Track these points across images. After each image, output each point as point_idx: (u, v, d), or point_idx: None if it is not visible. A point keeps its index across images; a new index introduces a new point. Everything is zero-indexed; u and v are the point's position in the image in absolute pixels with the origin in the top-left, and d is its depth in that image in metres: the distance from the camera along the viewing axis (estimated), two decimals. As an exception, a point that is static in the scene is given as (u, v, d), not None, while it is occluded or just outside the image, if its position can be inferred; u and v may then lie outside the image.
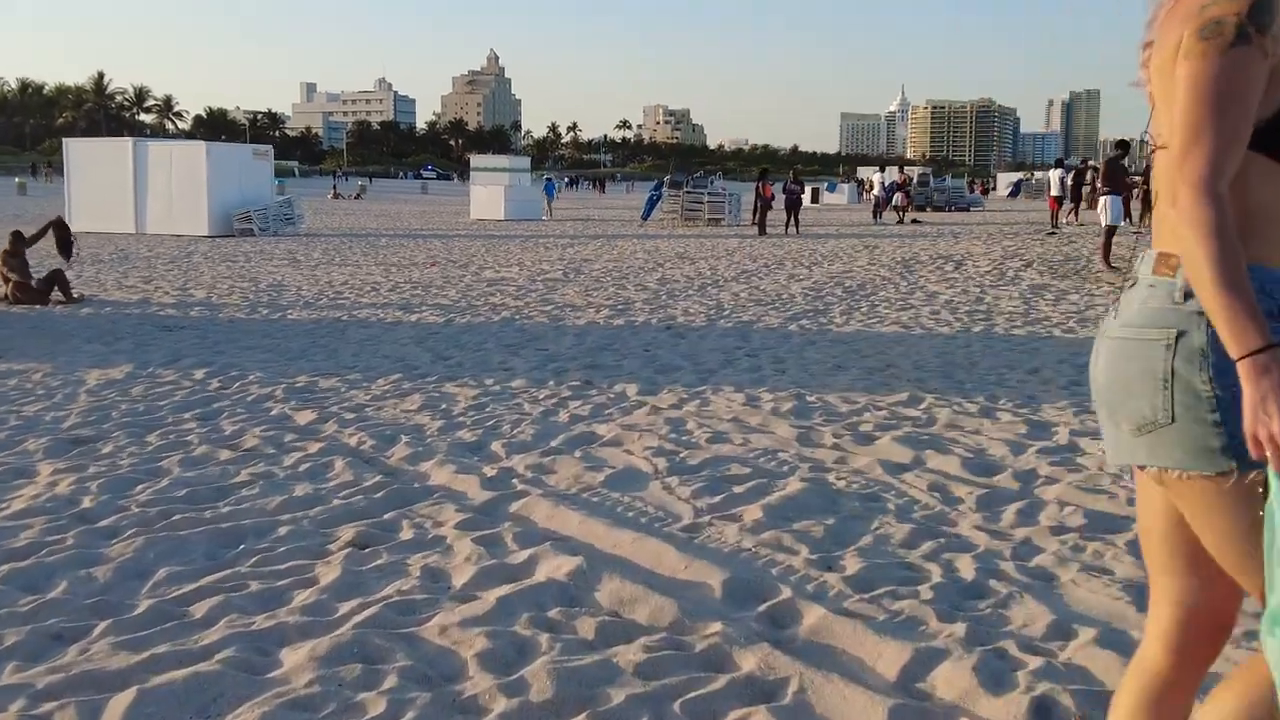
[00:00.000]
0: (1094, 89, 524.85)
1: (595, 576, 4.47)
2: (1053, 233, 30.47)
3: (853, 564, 4.71)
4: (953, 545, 4.98)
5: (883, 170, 50.06)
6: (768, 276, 18.53)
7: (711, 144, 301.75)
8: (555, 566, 4.59)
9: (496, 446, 6.82)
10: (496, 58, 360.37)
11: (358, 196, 72.73)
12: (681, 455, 6.61)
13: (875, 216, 40.57)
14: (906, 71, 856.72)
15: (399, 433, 7.18)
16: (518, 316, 13.33)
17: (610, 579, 4.44)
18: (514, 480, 6.07)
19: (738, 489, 5.87)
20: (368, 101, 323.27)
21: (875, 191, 43.44)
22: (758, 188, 33.12)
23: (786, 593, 4.35)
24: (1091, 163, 43.57)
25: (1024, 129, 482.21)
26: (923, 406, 8.09)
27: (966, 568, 4.68)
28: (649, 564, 4.69)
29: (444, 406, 8.04)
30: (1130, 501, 5.61)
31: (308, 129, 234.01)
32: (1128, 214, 26.88)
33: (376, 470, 6.27)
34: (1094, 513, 5.45)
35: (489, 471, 6.23)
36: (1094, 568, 4.68)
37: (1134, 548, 4.90)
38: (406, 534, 5.16)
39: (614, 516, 5.38)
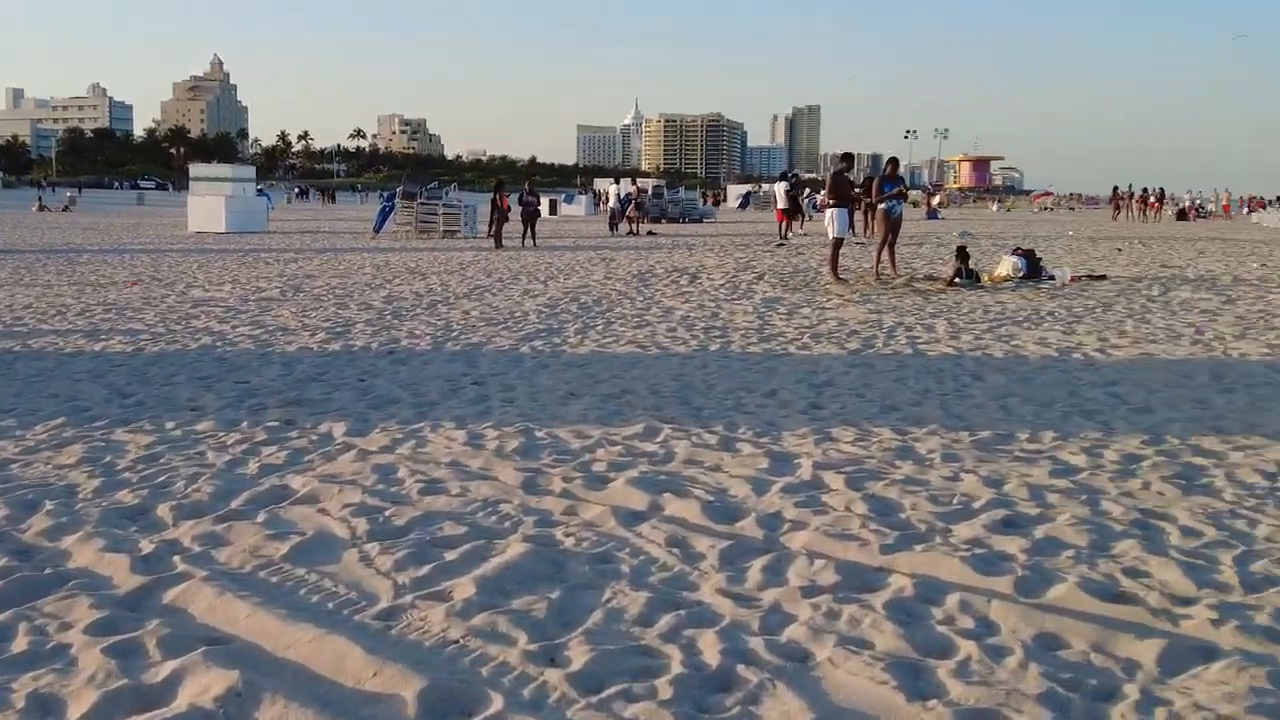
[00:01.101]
0: (815, 105, 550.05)
1: (254, 698, 3.54)
2: (781, 244, 30.98)
3: (579, 653, 3.96)
4: (695, 617, 4.31)
5: (618, 182, 50.10)
6: (502, 292, 17.72)
7: (449, 154, 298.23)
8: (203, 687, 3.62)
9: (163, 511, 5.72)
10: (221, 63, 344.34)
11: (66, 209, 67.38)
12: (387, 513, 5.71)
13: (612, 228, 40.41)
14: (640, 85, 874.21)
15: (44, 497, 5.96)
16: (220, 343, 12.01)
17: (273, 702, 3.52)
18: (175, 557, 5.01)
19: (450, 555, 5.03)
20: (80, 108, 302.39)
21: (611, 203, 43.31)
22: (494, 199, 32.27)
23: (497, 703, 3.55)
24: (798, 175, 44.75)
25: (751, 143, 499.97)
26: (660, 439, 7.47)
27: (711, 649, 4.00)
28: (328, 671, 3.79)
29: (108, 459, 6.82)
30: (883, 548, 5.11)
31: (14, 137, 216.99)
32: (852, 225, 27.56)
33: (2, 551, 5.08)
34: (846, 565, 4.90)
35: (145, 547, 5.15)
36: (852, 640, 4.10)
37: (892, 609, 4.37)
38: (20, 643, 4.06)
39: (293, 603, 4.44)
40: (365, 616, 4.33)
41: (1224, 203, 74.95)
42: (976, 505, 5.89)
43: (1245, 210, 74.64)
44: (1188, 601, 4.46)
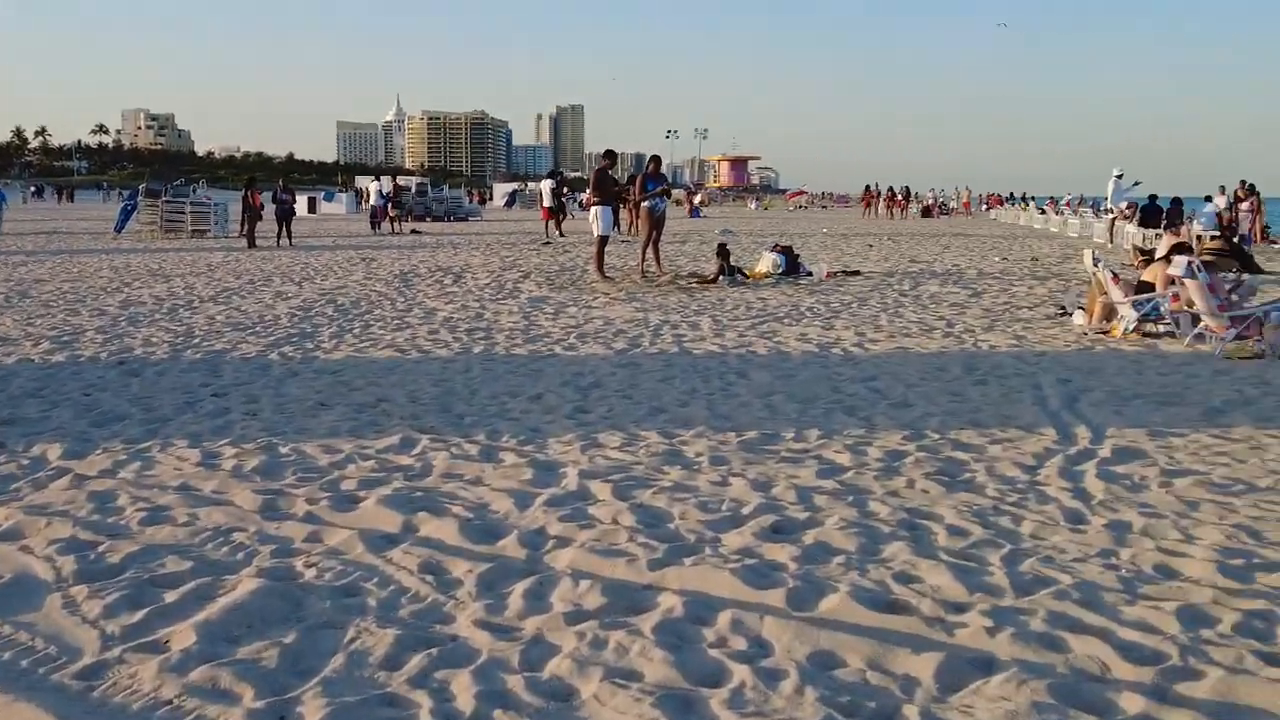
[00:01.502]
0: (579, 104, 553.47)
1: (-94, 797, 2.94)
2: (548, 243, 30.73)
3: (315, 708, 3.50)
4: (448, 655, 3.91)
5: (378, 179, 48.75)
6: (252, 295, 16.73)
7: (200, 151, 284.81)
8: None
9: None
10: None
11: None
12: (101, 549, 5.06)
13: (373, 227, 39.22)
14: (401, 81, 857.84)
15: None
16: (-78, 357, 10.77)
17: (-70, 800, 2.93)
18: None
19: (170, 597, 4.46)
20: None
21: (372, 201, 42.05)
22: (245, 197, 30.72)
23: (213, 778, 3.06)
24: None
25: (517, 141, 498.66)
26: (417, 451, 7.01)
27: (465, 692, 3.62)
28: (9, 752, 3.22)
29: None
30: (652, 563, 4.83)
31: None
32: (617, 223, 27.53)
33: None
34: (613, 585, 4.60)
35: None
36: (619, 672, 3.78)
37: (662, 633, 4.09)
38: None
39: (-25, 666, 3.80)
40: (64, 675, 3.74)
41: (964, 200, 79.17)
42: (746, 511, 5.70)
43: (984, 207, 79.06)
44: (961, 608, 4.35)
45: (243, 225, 30.37)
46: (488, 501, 5.87)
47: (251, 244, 29.18)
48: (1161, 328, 12.65)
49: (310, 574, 4.74)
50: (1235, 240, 24.32)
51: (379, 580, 4.67)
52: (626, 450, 7.05)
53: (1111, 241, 33.90)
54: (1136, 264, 23.81)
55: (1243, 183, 34.51)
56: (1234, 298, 11.73)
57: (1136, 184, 35.35)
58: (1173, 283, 13.13)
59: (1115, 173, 34.32)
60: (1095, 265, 12.98)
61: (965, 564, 4.89)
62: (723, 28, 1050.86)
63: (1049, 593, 4.51)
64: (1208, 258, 11.82)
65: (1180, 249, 13.77)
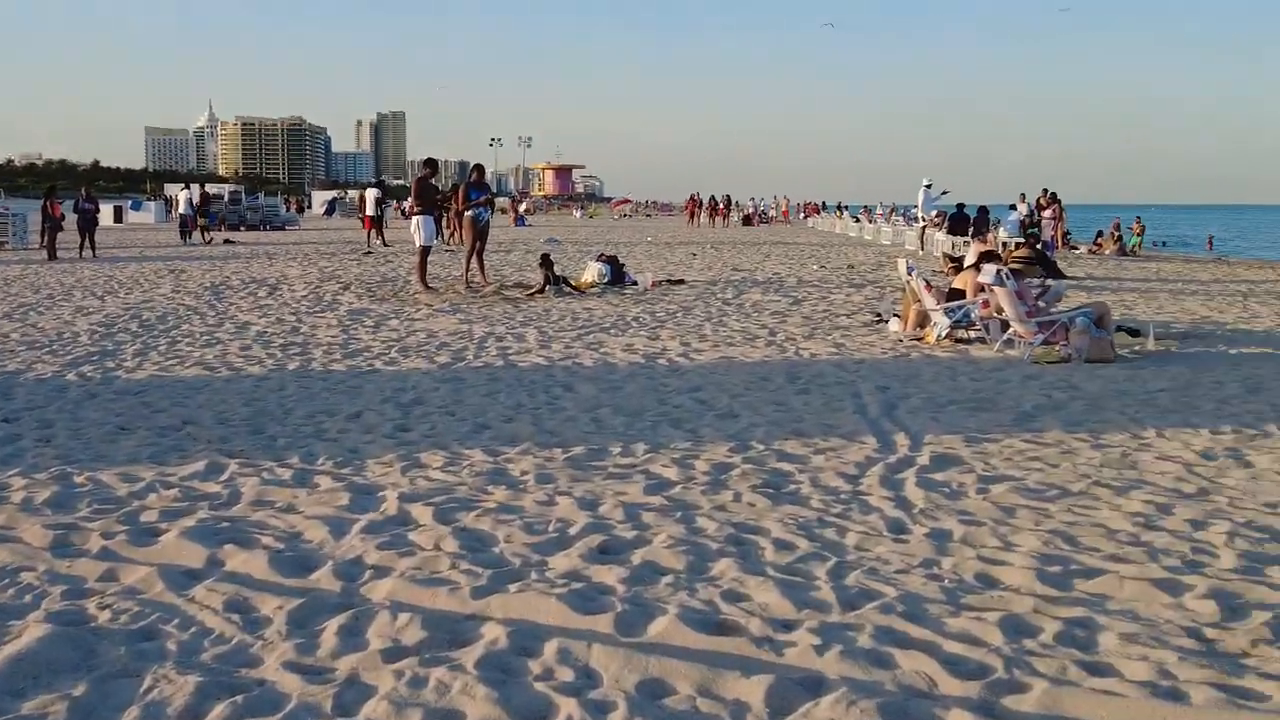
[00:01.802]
0: (400, 110, 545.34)
1: None
2: (369, 252, 30.03)
3: (104, 771, 3.21)
4: (254, 703, 3.64)
5: (188, 187, 46.88)
6: (50, 310, 15.78)
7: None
8: None
9: None
10: None
11: None
12: None
13: (183, 237, 37.64)
14: (214, 86, 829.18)
15: None
16: None
17: None
18: None
19: (-58, 650, 4.05)
20: None
21: (181, 209, 40.36)
22: (45, 206, 29.08)
23: None
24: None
25: (336, 148, 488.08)
26: (224, 477, 6.64)
27: (273, 743, 3.37)
28: None
29: None
30: (475, 591, 4.65)
31: None
32: (440, 233, 27.10)
33: None
34: (435, 616, 4.39)
35: None
36: (440, 713, 3.59)
37: (485, 667, 3.91)
38: None
39: None
40: None
41: (783, 209, 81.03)
42: (573, 532, 5.56)
43: (802, 216, 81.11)
44: (789, 625, 4.30)
45: (43, 236, 28.78)
46: (300, 530, 5.58)
47: (52, 256, 27.66)
48: (972, 334, 13.08)
49: (104, 617, 4.39)
50: (1039, 247, 25.40)
51: (180, 621, 4.36)
52: (449, 470, 6.83)
53: (922, 249, 35.08)
54: (947, 271, 24.71)
55: (1045, 191, 36.20)
56: (1040, 304, 12.21)
57: (944, 193, 36.65)
58: (982, 290, 13.61)
59: (925, 182, 35.47)
60: (909, 274, 13.34)
61: (792, 579, 4.86)
62: (547, 37, 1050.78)
63: (875, 606, 4.51)
64: (1016, 265, 12.27)
65: (988, 256, 14.27)
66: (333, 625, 4.31)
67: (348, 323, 14.38)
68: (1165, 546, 5.34)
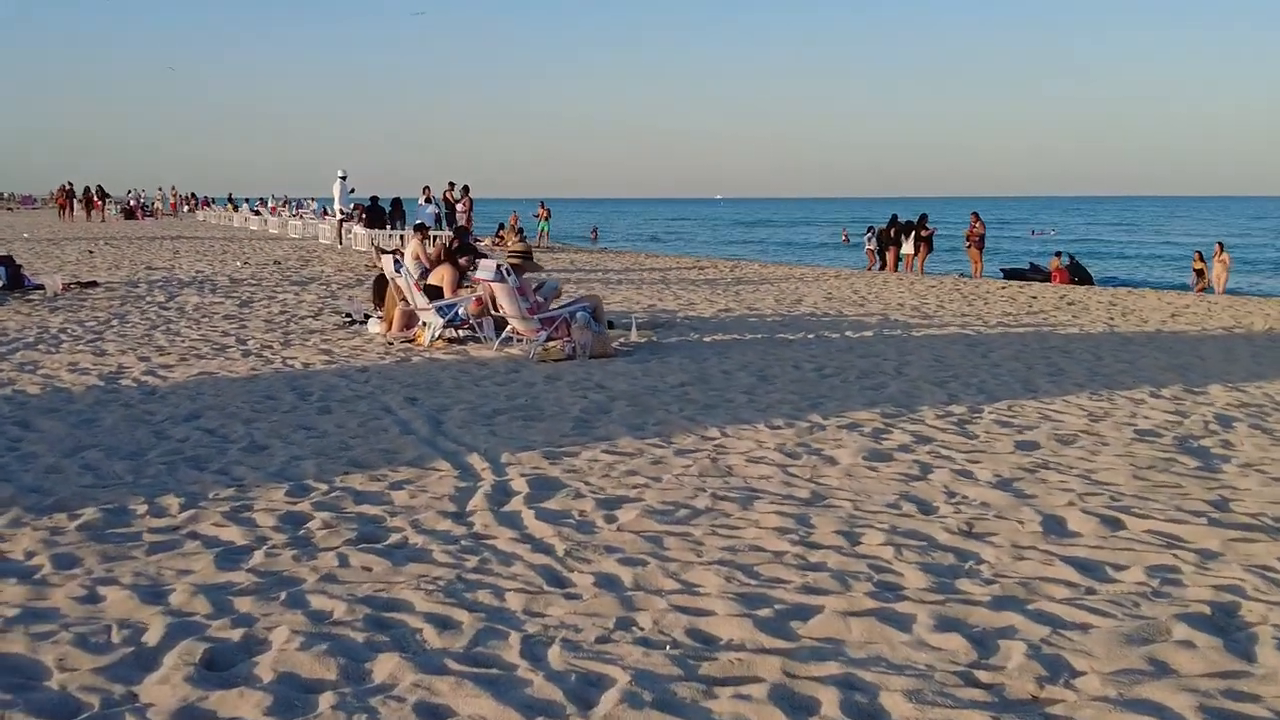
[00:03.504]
0: None
1: None
2: None
3: None
4: None
5: None
6: None
7: None
8: None
9: None
10: None
11: None
12: None
13: None
14: None
15: None
16: None
17: None
18: None
19: None
20: None
21: None
22: None
23: None
24: None
25: None
26: None
27: None
28: None
29: None
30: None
31: None
32: None
33: None
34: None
35: None
36: None
37: None
38: None
39: None
40: None
41: (172, 201, 75.23)
42: (151, 640, 4.02)
43: (187, 209, 75.89)
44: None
45: None
46: None
47: None
48: (463, 333, 12.36)
49: None
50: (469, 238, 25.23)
51: None
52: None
53: (341, 243, 33.88)
54: (378, 265, 23.88)
55: (452, 184, 36.37)
56: (539, 299, 11.74)
57: (353, 190, 35.56)
58: (464, 285, 12.93)
59: (339, 174, 34.22)
60: (396, 272, 12.29)
61: (489, 673, 3.78)
62: None
63: (617, 701, 3.57)
64: (514, 260, 11.65)
65: (461, 251, 13.59)
66: None
67: None
68: (842, 567, 4.91)
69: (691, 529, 5.46)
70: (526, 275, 11.80)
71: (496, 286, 11.41)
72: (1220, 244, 30.17)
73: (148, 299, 16.28)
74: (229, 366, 10.31)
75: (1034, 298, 20.35)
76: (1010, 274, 31.63)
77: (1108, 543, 5.27)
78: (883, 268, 31.35)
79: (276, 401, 8.65)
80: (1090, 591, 4.62)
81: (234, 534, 5.31)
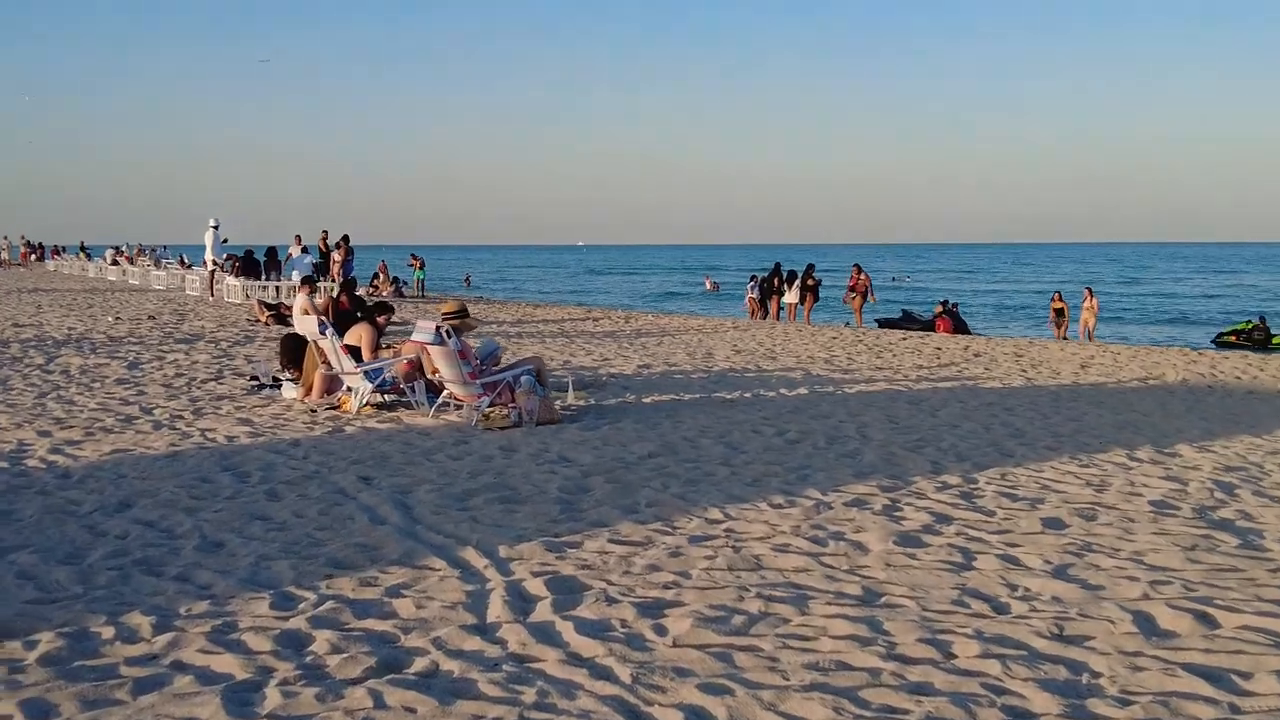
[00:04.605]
0: None
1: None
2: None
3: None
4: None
5: None
6: None
7: None
8: None
9: None
10: None
11: None
12: None
13: None
14: None
15: None
16: None
17: None
18: None
19: None
20: None
21: None
22: None
23: None
24: None
25: None
26: None
27: None
28: None
29: None
30: None
31: None
32: None
33: None
34: None
35: None
36: None
37: None
38: None
39: None
40: None
41: (22, 251, 71.19)
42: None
43: (36, 258, 72.04)
44: None
45: None
46: None
47: None
48: (390, 398, 11.51)
49: None
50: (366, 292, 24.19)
51: None
52: None
53: (213, 294, 32.34)
54: (265, 320, 22.66)
55: (325, 232, 35.06)
56: (478, 363, 10.95)
57: (225, 240, 34.06)
58: (383, 347, 12.09)
59: (211, 223, 32.72)
60: (322, 333, 11.35)
61: None
62: None
63: None
64: (454, 321, 10.84)
65: (377, 308, 12.71)
66: None
67: None
68: (954, 689, 4.33)
69: (757, 641, 4.81)
70: (465, 337, 11.02)
71: (433, 350, 10.61)
72: (1089, 289, 31.00)
73: (25, 361, 14.94)
74: (143, 442, 9.28)
75: (939, 349, 20.35)
76: (885, 323, 31.84)
77: (1214, 644, 4.81)
78: (764, 316, 31.32)
79: (213, 485, 7.72)
80: (1236, 710, 4.13)
81: (229, 664, 4.47)
